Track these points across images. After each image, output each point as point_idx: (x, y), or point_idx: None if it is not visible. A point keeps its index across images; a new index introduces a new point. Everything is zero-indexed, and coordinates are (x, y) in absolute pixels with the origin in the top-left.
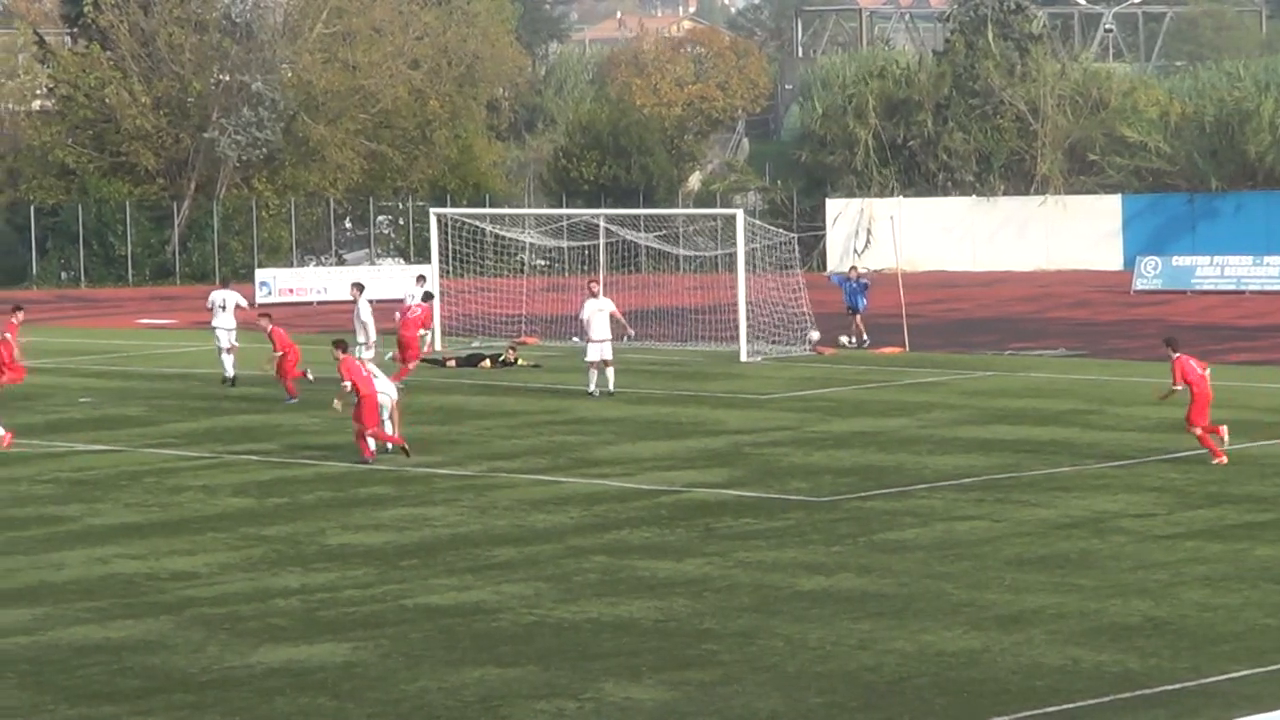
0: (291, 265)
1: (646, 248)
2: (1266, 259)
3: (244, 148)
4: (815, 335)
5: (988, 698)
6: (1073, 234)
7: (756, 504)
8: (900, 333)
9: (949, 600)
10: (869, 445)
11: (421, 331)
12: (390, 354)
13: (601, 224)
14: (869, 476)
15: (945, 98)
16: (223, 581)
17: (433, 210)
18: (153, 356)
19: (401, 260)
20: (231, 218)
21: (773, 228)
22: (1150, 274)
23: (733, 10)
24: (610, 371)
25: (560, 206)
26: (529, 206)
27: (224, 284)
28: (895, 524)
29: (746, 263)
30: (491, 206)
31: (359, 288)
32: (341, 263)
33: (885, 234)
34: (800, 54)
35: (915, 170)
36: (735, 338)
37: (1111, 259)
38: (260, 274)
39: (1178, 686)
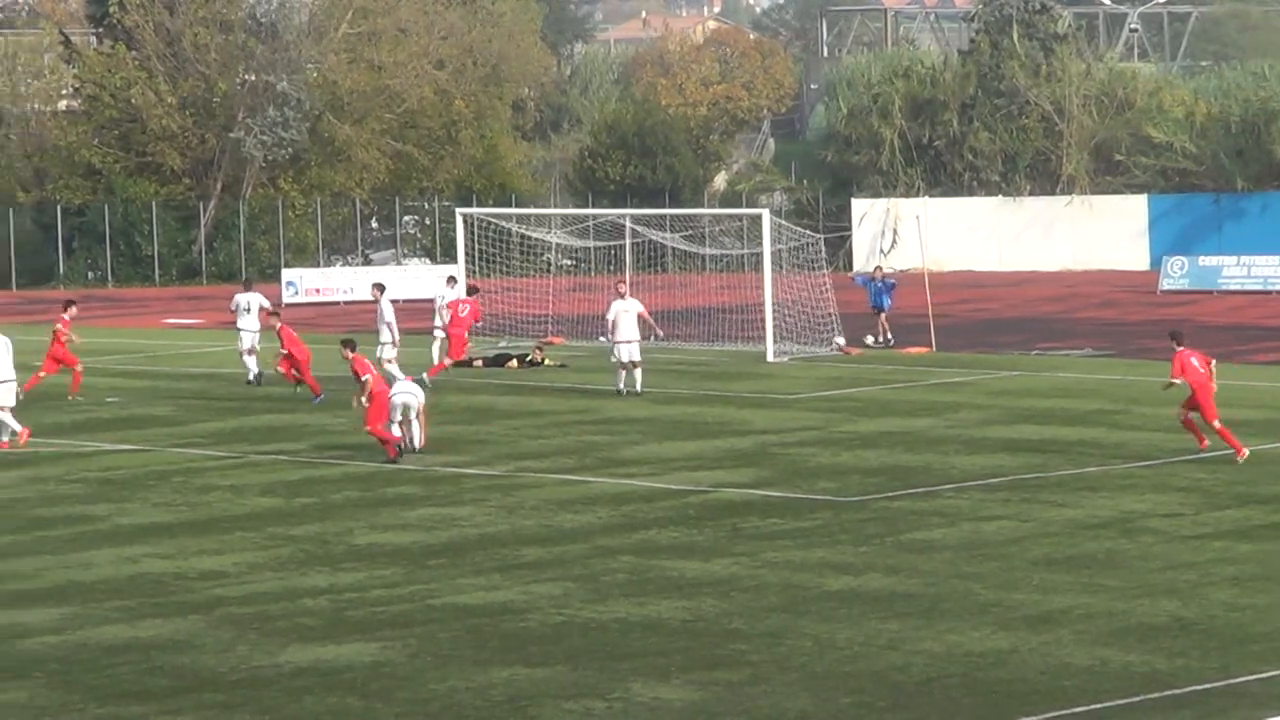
0: (318, 265)
1: (672, 248)
2: None
3: (269, 148)
4: (840, 340)
5: (1016, 698)
6: (1099, 234)
7: (784, 504)
8: (927, 333)
9: (977, 600)
10: (896, 445)
11: (477, 324)
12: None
13: (628, 224)
14: (896, 476)
15: (970, 97)
16: (251, 581)
17: (458, 210)
18: (179, 356)
19: (428, 260)
20: (258, 217)
21: (799, 228)
22: (1177, 274)
23: (757, 10)
24: (638, 372)
25: (586, 206)
26: (555, 206)
27: (247, 286)
28: (923, 524)
29: (773, 263)
30: (517, 206)
31: (380, 288)
32: (368, 263)
33: (911, 234)
34: (825, 54)
35: (941, 170)
36: (762, 338)
37: (1138, 259)
38: (287, 274)
39: (1206, 687)
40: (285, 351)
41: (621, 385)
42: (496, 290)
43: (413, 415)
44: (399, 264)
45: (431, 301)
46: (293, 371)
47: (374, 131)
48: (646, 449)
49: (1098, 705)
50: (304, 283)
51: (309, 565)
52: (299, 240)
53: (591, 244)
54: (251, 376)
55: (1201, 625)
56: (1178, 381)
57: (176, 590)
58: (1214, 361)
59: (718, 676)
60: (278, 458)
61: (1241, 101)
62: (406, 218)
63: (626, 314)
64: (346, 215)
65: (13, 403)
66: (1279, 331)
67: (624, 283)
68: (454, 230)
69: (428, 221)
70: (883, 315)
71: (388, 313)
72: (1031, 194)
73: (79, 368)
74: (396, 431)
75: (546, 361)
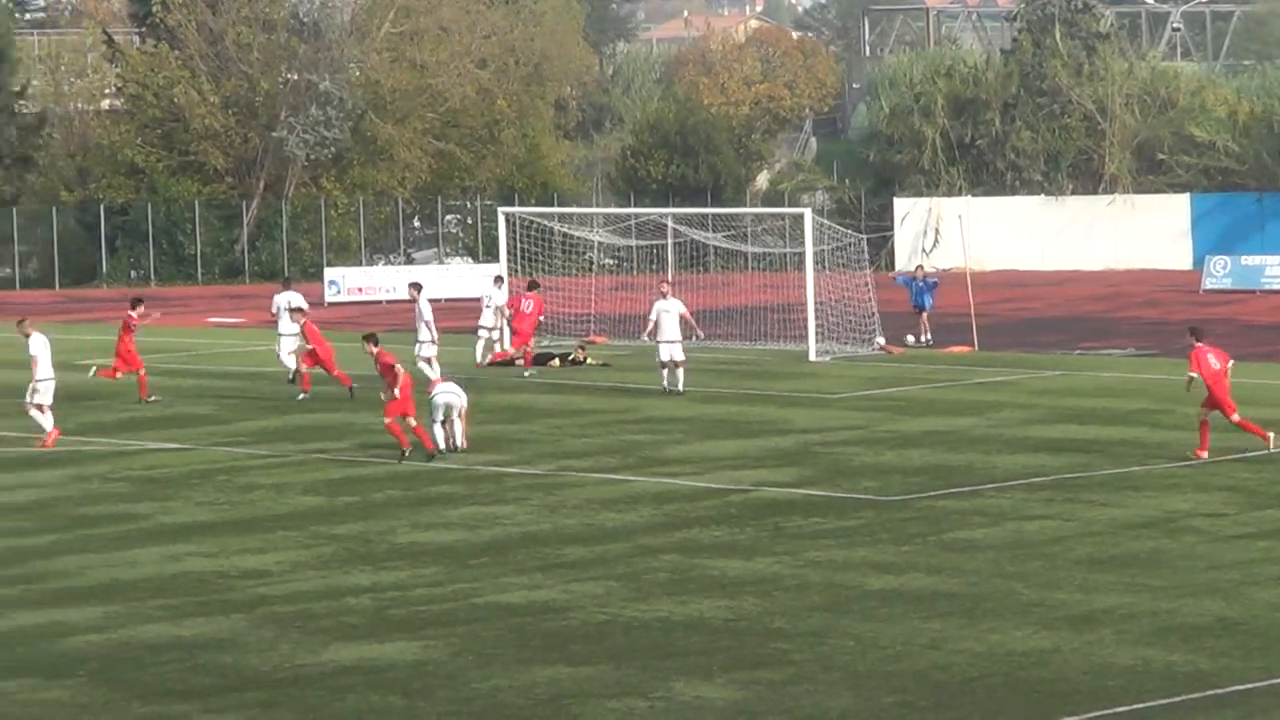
0: (360, 264)
1: (714, 247)
2: None
3: (312, 147)
4: (881, 340)
5: (1058, 698)
6: (1141, 233)
7: (826, 503)
8: (969, 332)
9: (1019, 600)
10: (938, 444)
11: (541, 319)
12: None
13: (669, 223)
14: (939, 476)
15: (1013, 97)
16: (294, 580)
17: (500, 209)
18: (222, 355)
19: (470, 259)
20: (300, 216)
21: (841, 227)
22: (1219, 273)
23: (800, 10)
24: (680, 372)
25: (628, 205)
26: (596, 206)
27: (285, 286)
28: (965, 523)
29: (815, 262)
30: (559, 205)
31: (417, 287)
32: (410, 261)
33: (953, 233)
34: (867, 53)
35: (983, 169)
36: (804, 337)
37: (1180, 258)
38: (329, 273)
39: (1249, 687)
40: (310, 347)
41: (666, 383)
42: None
43: (455, 415)
44: (441, 263)
45: (476, 301)
46: (315, 366)
47: (416, 130)
48: (689, 448)
49: (1140, 705)
50: (346, 282)
51: (352, 564)
52: (341, 239)
53: (633, 243)
54: (292, 374)
55: (1245, 625)
56: (1195, 375)
57: (219, 589)
58: (1231, 361)
59: (760, 676)
60: (320, 456)
61: None
62: (448, 217)
63: (668, 314)
64: (389, 214)
65: (50, 400)
66: None
67: (667, 282)
68: (496, 229)
69: (470, 220)
70: (924, 315)
71: (426, 311)
72: (1074, 193)
73: (142, 371)
74: (439, 431)
75: (589, 360)
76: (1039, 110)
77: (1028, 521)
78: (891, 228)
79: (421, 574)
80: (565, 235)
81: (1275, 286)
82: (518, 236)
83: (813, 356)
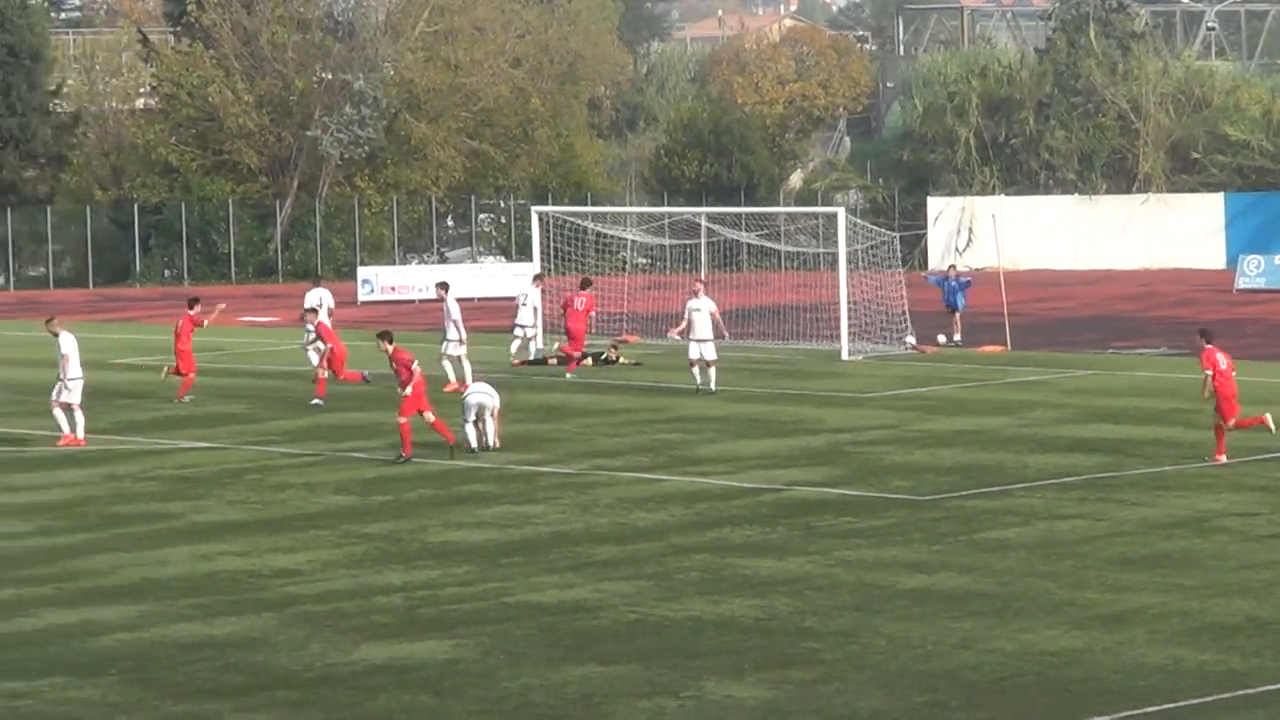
0: (394, 263)
1: (748, 246)
2: None
3: (346, 146)
4: (911, 339)
5: (1089, 697)
6: (1175, 232)
7: (858, 502)
8: (1002, 331)
9: (1051, 599)
10: (970, 444)
11: (591, 315)
12: (556, 345)
13: (703, 222)
14: (970, 475)
15: (1047, 96)
16: (325, 579)
17: (534, 208)
18: (255, 354)
19: (503, 258)
20: (334, 216)
21: (874, 226)
22: (1253, 273)
23: (834, 9)
24: (712, 371)
25: (661, 204)
26: (630, 205)
27: (315, 283)
28: (997, 523)
29: (848, 261)
30: (593, 205)
31: (444, 287)
32: (444, 261)
33: (987, 233)
34: (901, 52)
35: (1017, 169)
36: (836, 336)
37: (1214, 257)
38: (362, 272)
39: None
40: (328, 345)
41: (698, 383)
42: (571, 288)
43: (487, 415)
44: (474, 262)
45: (509, 300)
46: (344, 367)
47: (450, 130)
48: (721, 447)
49: (1171, 705)
50: (379, 281)
51: (383, 563)
52: (375, 238)
53: (667, 242)
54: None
55: (1276, 625)
56: (1210, 373)
57: (251, 588)
58: (1235, 366)
59: (791, 675)
60: (352, 455)
61: None
62: (482, 216)
63: (699, 312)
64: (422, 213)
65: (79, 399)
66: None
67: (700, 281)
68: (529, 228)
69: (503, 220)
70: (957, 314)
71: (454, 310)
72: (1107, 192)
73: (192, 374)
74: (472, 431)
75: (621, 359)
76: (1073, 109)
77: (1059, 521)
78: (925, 227)
79: (453, 573)
80: (599, 234)
81: None
82: (551, 236)
83: (845, 356)
